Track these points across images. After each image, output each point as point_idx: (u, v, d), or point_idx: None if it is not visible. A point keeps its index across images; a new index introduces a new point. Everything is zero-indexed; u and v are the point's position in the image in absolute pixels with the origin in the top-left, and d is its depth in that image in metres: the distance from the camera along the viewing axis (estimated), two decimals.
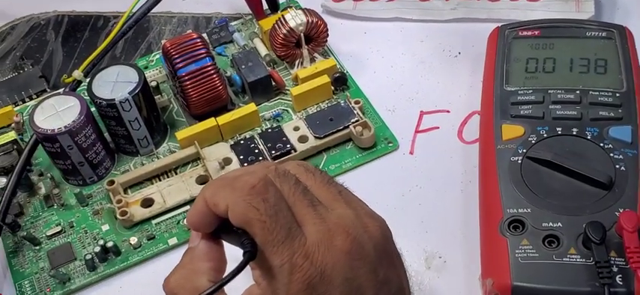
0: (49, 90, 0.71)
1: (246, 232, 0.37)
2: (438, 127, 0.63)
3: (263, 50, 0.70)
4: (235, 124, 0.63)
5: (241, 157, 0.61)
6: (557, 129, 0.56)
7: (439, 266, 0.54)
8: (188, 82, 0.62)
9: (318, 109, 0.65)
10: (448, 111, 0.64)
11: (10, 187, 0.59)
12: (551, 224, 0.51)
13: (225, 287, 0.38)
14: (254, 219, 0.36)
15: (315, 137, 0.62)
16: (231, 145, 0.62)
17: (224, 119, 0.63)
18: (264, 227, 0.36)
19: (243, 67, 0.66)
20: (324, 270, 0.36)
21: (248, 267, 0.37)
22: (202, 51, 0.62)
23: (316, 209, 0.38)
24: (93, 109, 0.61)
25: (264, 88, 0.66)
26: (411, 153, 0.62)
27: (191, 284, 0.40)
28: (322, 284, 0.36)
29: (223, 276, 0.37)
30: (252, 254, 0.36)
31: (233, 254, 0.41)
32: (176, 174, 0.62)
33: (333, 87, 0.66)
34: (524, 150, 0.55)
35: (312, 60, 0.68)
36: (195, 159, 0.63)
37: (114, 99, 0.59)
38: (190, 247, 0.42)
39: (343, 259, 0.36)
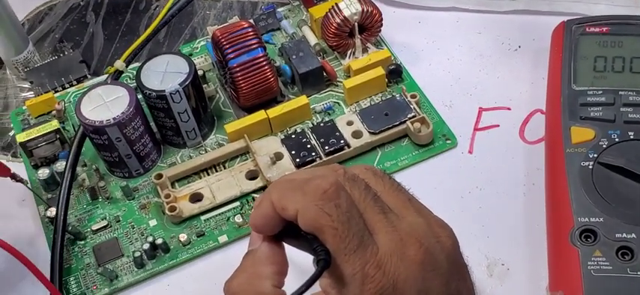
0: (89, 76, 0.68)
1: (316, 238, 0.36)
2: (498, 125, 0.61)
3: (312, 39, 0.67)
4: (286, 117, 0.61)
5: (293, 152, 0.59)
6: (630, 133, 0.53)
7: (502, 274, 0.52)
8: (239, 74, 0.59)
9: (371, 103, 0.62)
10: (509, 109, 0.61)
11: (65, 187, 0.56)
12: (624, 235, 0.48)
13: None
14: (326, 225, 0.35)
15: (369, 132, 0.59)
16: (281, 139, 0.60)
17: (275, 112, 0.61)
18: (336, 234, 0.34)
19: (294, 56, 0.63)
20: (397, 282, 0.34)
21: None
22: (254, 41, 0.60)
23: (387, 216, 0.36)
24: (139, 97, 0.59)
25: (316, 80, 0.63)
26: (470, 152, 0.59)
27: (254, 289, 0.38)
28: None
29: (297, 287, 0.35)
30: (327, 263, 0.35)
31: (292, 256, 0.40)
32: (225, 168, 0.60)
33: (387, 80, 0.63)
34: (596, 155, 0.52)
35: (365, 50, 0.65)
36: (245, 152, 0.61)
37: (164, 91, 0.56)
38: (251, 250, 0.40)
39: (416, 270, 0.34)
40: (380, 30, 0.65)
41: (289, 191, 0.37)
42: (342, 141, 0.59)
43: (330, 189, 0.35)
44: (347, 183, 0.36)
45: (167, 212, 0.56)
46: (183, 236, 0.56)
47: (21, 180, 0.56)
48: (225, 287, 0.39)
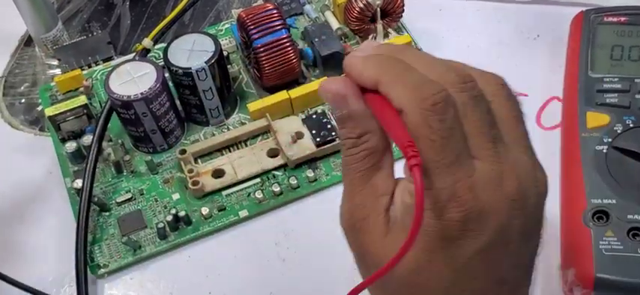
0: (116, 57, 0.70)
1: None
2: None
3: (335, 23, 0.68)
4: (307, 98, 0.63)
5: (313, 131, 0.60)
6: None
7: None
8: (263, 54, 0.61)
9: None
10: (526, 95, 0.62)
11: (91, 160, 0.58)
12: (636, 216, 0.49)
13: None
14: (423, 135, 0.32)
15: None
16: (302, 119, 0.62)
17: (296, 92, 0.62)
18: (432, 146, 0.32)
19: (316, 39, 0.65)
20: (483, 210, 0.32)
21: None
22: (278, 23, 0.61)
23: (496, 146, 0.33)
24: (165, 74, 0.60)
25: (337, 63, 0.65)
26: None
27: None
28: (477, 222, 0.32)
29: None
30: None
31: None
32: (246, 145, 0.61)
33: None
34: (610, 140, 0.53)
35: (386, 35, 0.67)
36: (266, 131, 0.62)
37: (190, 68, 0.58)
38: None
39: (506, 205, 0.33)
40: (401, 16, 0.66)
41: (395, 77, 0.34)
42: None
43: (441, 103, 0.32)
44: (470, 102, 0.33)
45: (190, 186, 0.58)
46: (204, 210, 0.57)
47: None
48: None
